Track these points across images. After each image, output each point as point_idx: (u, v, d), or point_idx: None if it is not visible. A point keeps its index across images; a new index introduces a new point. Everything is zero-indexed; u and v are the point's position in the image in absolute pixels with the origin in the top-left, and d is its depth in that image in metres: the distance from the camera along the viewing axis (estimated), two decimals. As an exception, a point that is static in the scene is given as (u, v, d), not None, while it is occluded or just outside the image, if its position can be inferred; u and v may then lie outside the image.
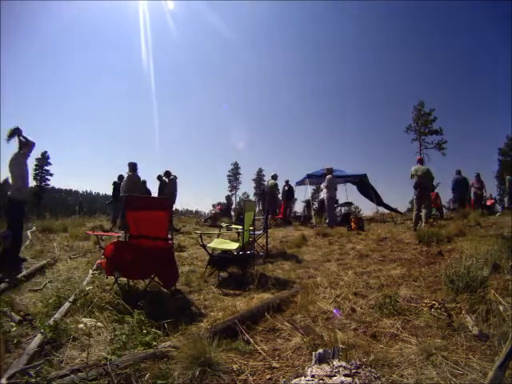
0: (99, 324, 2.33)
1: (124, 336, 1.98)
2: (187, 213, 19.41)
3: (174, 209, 10.04)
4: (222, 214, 11.69)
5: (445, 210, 12.28)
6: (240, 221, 6.21)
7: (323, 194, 9.95)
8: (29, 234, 6.67)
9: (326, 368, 1.50)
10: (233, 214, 11.79)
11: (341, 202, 12.07)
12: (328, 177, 9.28)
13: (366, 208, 20.35)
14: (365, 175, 11.35)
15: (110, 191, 9.62)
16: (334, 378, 1.41)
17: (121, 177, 9.11)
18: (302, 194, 17.94)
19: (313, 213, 10.86)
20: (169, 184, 8.84)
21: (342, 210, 12.28)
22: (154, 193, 9.53)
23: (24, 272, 3.77)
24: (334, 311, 2.61)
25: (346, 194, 13.30)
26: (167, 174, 8.96)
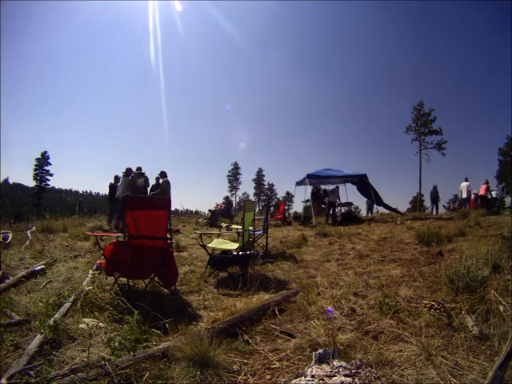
0: (100, 324, 2.33)
1: (119, 338, 1.96)
2: (187, 213, 19.38)
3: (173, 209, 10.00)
4: (222, 214, 11.68)
5: (445, 210, 12.61)
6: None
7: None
8: (29, 234, 6.67)
9: (326, 368, 1.50)
10: (233, 214, 11.77)
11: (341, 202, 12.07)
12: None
13: (366, 208, 20.32)
14: (365, 175, 11.36)
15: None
16: (334, 378, 1.41)
17: (116, 178, 9.13)
18: (302, 194, 17.92)
19: (313, 213, 10.87)
20: (163, 186, 8.83)
21: (342, 210, 12.28)
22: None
23: (24, 272, 3.76)
24: (329, 310, 2.60)
25: (346, 194, 13.31)
26: (163, 174, 8.94)
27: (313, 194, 11.89)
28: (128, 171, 8.65)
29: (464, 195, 12.42)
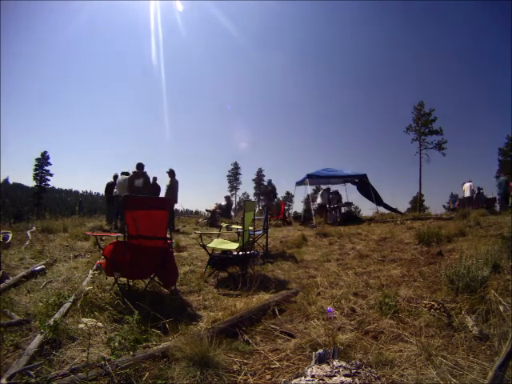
0: (99, 324, 2.32)
1: (119, 338, 1.97)
2: (187, 213, 19.39)
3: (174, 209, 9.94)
4: (222, 213, 11.68)
5: (445, 210, 12.67)
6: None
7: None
8: (29, 234, 6.67)
9: (326, 368, 1.50)
10: (233, 213, 11.78)
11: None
12: None
13: (366, 208, 20.36)
14: (365, 175, 11.35)
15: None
16: (334, 378, 1.41)
17: (115, 177, 9.11)
18: (302, 194, 17.93)
19: (313, 213, 10.87)
20: (173, 183, 8.82)
21: (342, 210, 12.27)
22: (163, 190, 9.38)
23: (24, 272, 3.76)
24: (328, 310, 2.60)
25: (346, 193, 13.30)
26: (171, 173, 8.91)
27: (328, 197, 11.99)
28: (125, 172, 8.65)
29: (467, 194, 12.56)
